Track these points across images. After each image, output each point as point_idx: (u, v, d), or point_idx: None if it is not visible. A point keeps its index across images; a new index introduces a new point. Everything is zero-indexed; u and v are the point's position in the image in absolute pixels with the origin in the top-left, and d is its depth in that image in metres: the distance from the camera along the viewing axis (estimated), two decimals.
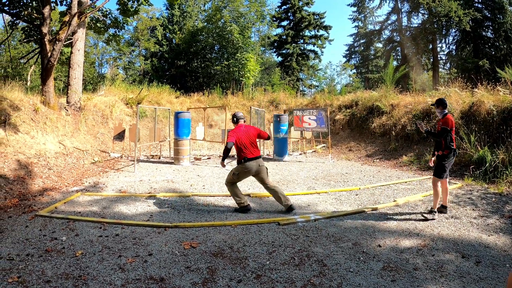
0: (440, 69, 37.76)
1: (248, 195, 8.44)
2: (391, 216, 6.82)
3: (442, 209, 6.98)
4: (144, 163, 13.24)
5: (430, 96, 15.82)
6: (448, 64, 38.26)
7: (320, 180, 10.45)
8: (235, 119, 7.32)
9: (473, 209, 7.25)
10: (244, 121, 7.36)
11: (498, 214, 6.91)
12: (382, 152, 15.18)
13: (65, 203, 7.46)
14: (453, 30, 33.86)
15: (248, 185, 9.60)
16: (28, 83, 16.48)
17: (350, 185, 9.79)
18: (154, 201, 7.84)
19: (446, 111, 6.79)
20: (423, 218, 6.59)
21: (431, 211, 6.71)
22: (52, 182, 9.12)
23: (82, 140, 13.37)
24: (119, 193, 8.45)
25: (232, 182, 7.24)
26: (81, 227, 5.95)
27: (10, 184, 8.09)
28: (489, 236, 5.72)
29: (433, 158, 7.23)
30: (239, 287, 4.03)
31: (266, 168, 7.24)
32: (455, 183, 9.64)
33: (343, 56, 49.46)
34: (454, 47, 35.37)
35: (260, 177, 7.16)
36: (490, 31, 32.54)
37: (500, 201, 7.79)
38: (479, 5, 32.13)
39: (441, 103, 6.78)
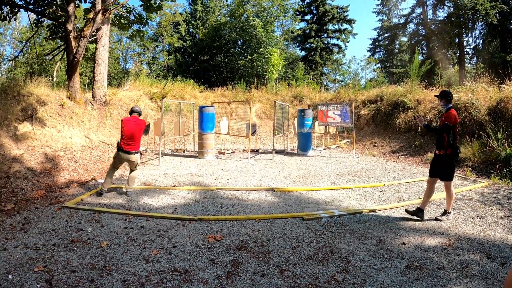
0: (466, 64, 36.97)
1: (272, 189, 8.41)
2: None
3: (419, 212, 6.39)
4: (168, 157, 13.34)
5: (457, 92, 15.50)
6: (474, 59, 37.45)
7: (344, 176, 10.37)
8: (130, 111, 8.03)
9: (499, 209, 7.08)
10: (139, 115, 7.96)
11: None
12: (407, 148, 14.97)
13: (90, 195, 7.58)
14: (480, 24, 33.13)
15: (273, 180, 9.60)
16: (54, 78, 16.77)
17: (374, 181, 9.69)
18: (179, 194, 7.89)
19: (450, 105, 6.27)
20: (438, 220, 6.31)
21: (445, 213, 6.41)
22: (78, 175, 9.26)
23: (107, 133, 13.55)
24: (144, 186, 8.53)
25: (112, 165, 7.81)
26: (107, 219, 6.03)
27: (37, 177, 8.25)
28: None
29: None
30: (263, 281, 4.03)
31: (137, 161, 7.76)
32: (481, 182, 9.43)
33: (367, 50, 49.08)
34: (480, 41, 34.61)
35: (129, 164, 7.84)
36: None
37: None
38: None
39: (444, 96, 6.26)
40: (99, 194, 7.58)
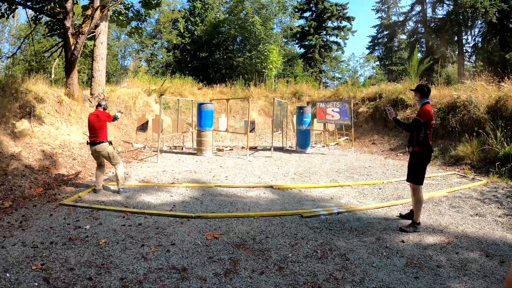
0: (465, 62, 36.93)
1: (271, 186, 8.40)
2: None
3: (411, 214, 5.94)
4: (167, 154, 13.31)
5: (456, 90, 15.48)
6: (473, 57, 37.38)
7: (343, 173, 10.36)
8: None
9: (498, 207, 7.07)
10: (104, 109, 7.96)
11: None
12: (405, 146, 14.96)
13: (88, 192, 7.57)
14: (479, 22, 33.06)
15: (271, 177, 9.59)
16: (52, 76, 16.71)
17: (373, 178, 9.68)
18: (177, 191, 7.88)
19: (427, 100, 5.74)
20: (403, 231, 5.62)
21: (413, 224, 5.75)
22: (76, 172, 9.26)
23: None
24: (142, 183, 8.52)
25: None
26: (105, 216, 6.02)
27: (35, 174, 8.23)
28: None
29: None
30: (261, 279, 4.02)
31: (108, 152, 7.67)
32: (480, 180, 9.43)
33: (366, 48, 48.88)
34: (480, 39, 34.56)
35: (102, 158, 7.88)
36: None
37: None
38: None
39: (419, 90, 5.78)
40: (95, 191, 7.63)
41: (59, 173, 8.80)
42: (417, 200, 5.70)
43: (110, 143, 7.77)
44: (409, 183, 6.01)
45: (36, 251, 4.59)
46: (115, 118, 8.28)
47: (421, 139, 5.57)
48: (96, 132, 7.58)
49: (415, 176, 5.70)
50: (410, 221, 5.86)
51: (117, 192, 7.60)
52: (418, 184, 5.70)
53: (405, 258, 4.64)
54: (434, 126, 5.87)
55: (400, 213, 6.41)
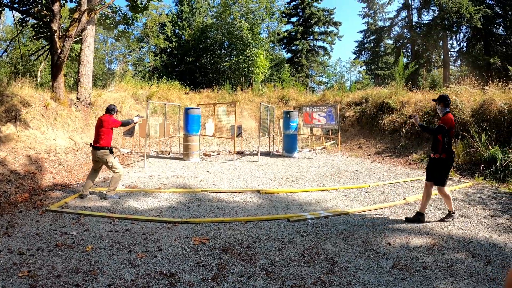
0: (450, 66, 37.35)
1: (258, 191, 8.42)
2: (401, 215, 6.78)
3: (419, 216, 6.36)
4: (153, 159, 13.27)
5: (441, 94, 15.67)
6: (458, 61, 37.89)
7: (330, 177, 10.42)
8: None
9: (483, 209, 7.20)
10: (111, 114, 7.86)
11: (509, 214, 6.85)
12: (392, 149, 15.09)
13: (75, 198, 7.51)
14: (464, 27, 33.46)
15: (258, 182, 9.61)
16: (39, 79, 16.59)
17: (359, 182, 9.75)
18: (164, 196, 7.86)
19: (448, 109, 6.26)
20: (446, 221, 6.33)
21: (449, 214, 6.40)
22: (62, 177, 9.17)
23: (92, 135, 13.37)
24: (129, 189, 8.47)
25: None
26: (91, 222, 5.98)
27: (21, 179, 8.15)
28: (499, 236, 5.68)
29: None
30: (249, 283, 4.03)
31: (107, 160, 7.59)
32: (465, 182, 9.58)
33: (353, 53, 49.17)
34: (465, 44, 34.97)
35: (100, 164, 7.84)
36: (501, 28, 32.12)
37: (511, 201, 7.72)
38: (491, 2, 31.62)
39: (442, 100, 6.27)
40: (82, 196, 7.56)
41: (45, 179, 8.72)
42: (446, 196, 6.29)
43: (111, 150, 7.66)
44: (425, 183, 6.54)
45: (23, 257, 4.54)
46: (126, 123, 8.17)
47: (446, 146, 6.11)
48: (98, 137, 7.55)
49: (442, 180, 6.19)
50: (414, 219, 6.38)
51: (103, 198, 7.55)
52: (443, 186, 6.21)
53: (391, 260, 4.68)
54: (453, 134, 6.35)
55: (406, 217, 6.53)
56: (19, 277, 4.04)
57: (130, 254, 4.72)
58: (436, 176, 6.25)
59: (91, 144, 7.64)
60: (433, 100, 6.94)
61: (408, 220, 6.39)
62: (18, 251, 4.73)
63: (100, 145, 7.49)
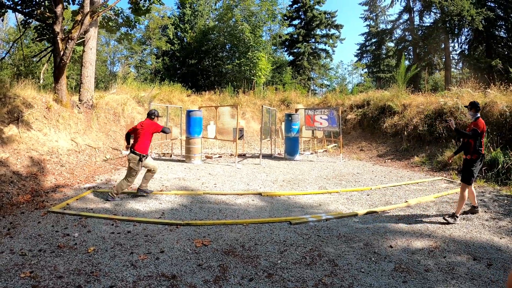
0: (452, 69, 37.34)
1: (260, 194, 8.42)
2: (403, 217, 6.78)
3: (474, 209, 7.02)
4: (155, 161, 13.26)
5: (443, 96, 15.67)
6: (460, 64, 37.80)
7: (331, 180, 10.41)
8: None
9: (485, 211, 7.19)
10: (151, 119, 7.95)
11: (510, 217, 6.84)
12: (393, 152, 15.09)
13: (77, 199, 7.51)
14: (466, 30, 33.47)
15: (260, 184, 9.61)
16: (41, 81, 16.60)
17: (361, 185, 9.75)
18: (166, 198, 7.87)
19: (479, 114, 6.72)
20: (445, 221, 6.47)
21: (453, 215, 6.55)
22: (65, 179, 9.19)
23: (94, 137, 13.45)
24: (131, 190, 8.48)
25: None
26: (93, 224, 5.99)
27: (23, 181, 8.17)
28: (501, 238, 5.67)
29: (454, 156, 7.63)
30: (251, 286, 4.03)
31: (129, 166, 7.64)
32: None
33: (355, 55, 49.22)
34: (466, 47, 34.96)
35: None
36: (503, 30, 32.12)
37: None
38: (492, 4, 31.64)
39: (474, 106, 6.73)
40: (140, 192, 7.87)
41: (47, 180, 8.74)
42: (463, 197, 6.59)
43: (140, 159, 7.59)
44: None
45: (25, 258, 4.55)
46: (167, 131, 8.12)
47: (477, 148, 6.51)
48: (136, 141, 7.63)
49: (468, 178, 6.60)
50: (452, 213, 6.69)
51: (106, 199, 7.56)
52: (468, 185, 6.61)
53: (393, 263, 4.69)
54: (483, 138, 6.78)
55: (464, 211, 7.06)
56: (21, 278, 4.05)
57: (132, 256, 4.73)
58: (463, 173, 6.70)
59: (132, 149, 7.63)
60: (465, 106, 7.53)
61: (465, 213, 6.99)
62: (20, 252, 4.74)
63: (134, 148, 7.56)
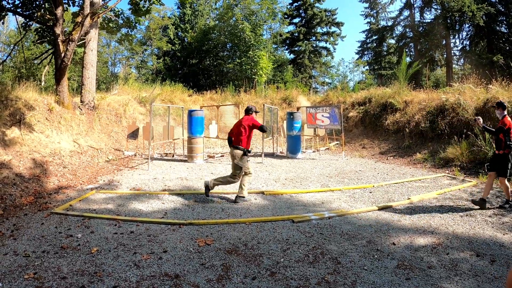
0: (454, 65, 37.27)
1: (262, 192, 8.43)
2: (405, 214, 6.78)
3: (482, 202, 7.17)
4: (157, 161, 13.28)
5: (444, 93, 15.65)
6: (461, 60, 37.71)
7: (334, 178, 10.41)
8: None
9: (488, 207, 7.18)
10: (248, 114, 8.03)
11: None
12: (395, 149, 15.07)
13: (80, 200, 7.53)
14: (467, 25, 33.34)
15: (262, 183, 9.61)
16: (42, 83, 16.66)
17: (364, 182, 9.74)
18: (168, 198, 7.88)
19: (505, 112, 7.20)
20: (505, 208, 7.13)
21: (507, 202, 7.21)
22: (67, 180, 9.21)
23: (96, 138, 13.48)
24: (134, 191, 8.49)
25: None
26: (96, 225, 6.01)
27: (26, 183, 8.19)
28: (504, 234, 5.67)
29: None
30: (254, 284, 4.04)
31: (238, 162, 7.72)
32: (469, 181, 9.55)
33: (356, 53, 48.98)
34: (467, 43, 34.83)
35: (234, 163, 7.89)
36: (504, 26, 31.97)
37: None
38: (493, 0, 31.64)
39: (500, 105, 7.26)
40: (238, 198, 7.72)
41: (49, 182, 8.76)
42: (506, 187, 7.25)
43: (245, 153, 7.67)
44: (489, 174, 7.51)
45: (28, 260, 4.57)
46: (264, 129, 8.00)
47: (508, 143, 6.97)
48: (236, 136, 7.76)
49: (504, 171, 7.11)
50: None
51: (234, 201, 7.68)
52: (504, 177, 7.16)
53: (396, 260, 4.69)
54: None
55: (472, 199, 7.50)
56: (25, 279, 4.07)
57: (135, 256, 4.74)
58: (499, 168, 7.17)
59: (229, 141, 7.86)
60: (492, 106, 8.29)
61: (473, 202, 7.29)
62: (23, 253, 4.76)
63: (236, 144, 7.71)
